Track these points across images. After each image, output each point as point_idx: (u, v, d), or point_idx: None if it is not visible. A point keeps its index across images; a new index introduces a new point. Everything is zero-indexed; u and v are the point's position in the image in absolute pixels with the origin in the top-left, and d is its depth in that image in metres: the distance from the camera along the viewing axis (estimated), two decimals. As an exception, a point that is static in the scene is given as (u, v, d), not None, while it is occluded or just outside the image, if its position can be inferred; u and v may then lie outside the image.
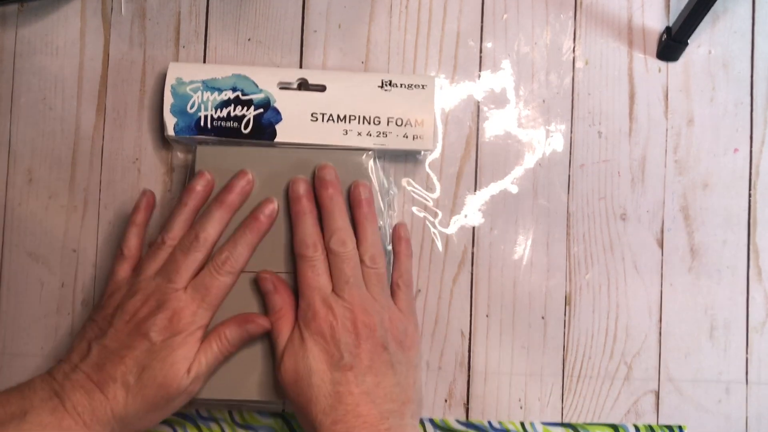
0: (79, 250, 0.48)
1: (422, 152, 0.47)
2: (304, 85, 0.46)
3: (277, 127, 0.45)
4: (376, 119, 0.45)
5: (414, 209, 0.48)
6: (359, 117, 0.45)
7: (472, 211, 0.48)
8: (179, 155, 0.48)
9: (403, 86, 0.46)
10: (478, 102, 0.48)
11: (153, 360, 0.39)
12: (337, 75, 0.46)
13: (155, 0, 0.49)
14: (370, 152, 0.45)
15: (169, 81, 0.45)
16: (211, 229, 0.42)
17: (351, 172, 0.44)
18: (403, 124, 0.45)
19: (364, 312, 0.41)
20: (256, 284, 0.43)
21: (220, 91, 0.45)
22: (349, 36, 0.49)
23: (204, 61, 0.48)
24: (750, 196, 0.48)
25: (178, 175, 0.48)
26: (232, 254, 0.42)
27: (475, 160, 0.48)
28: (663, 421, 0.47)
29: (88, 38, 0.49)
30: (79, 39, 0.49)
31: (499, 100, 0.48)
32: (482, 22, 0.49)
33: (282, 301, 0.42)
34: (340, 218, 0.42)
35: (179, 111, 0.45)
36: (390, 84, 0.46)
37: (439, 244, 0.48)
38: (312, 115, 0.45)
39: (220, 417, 0.47)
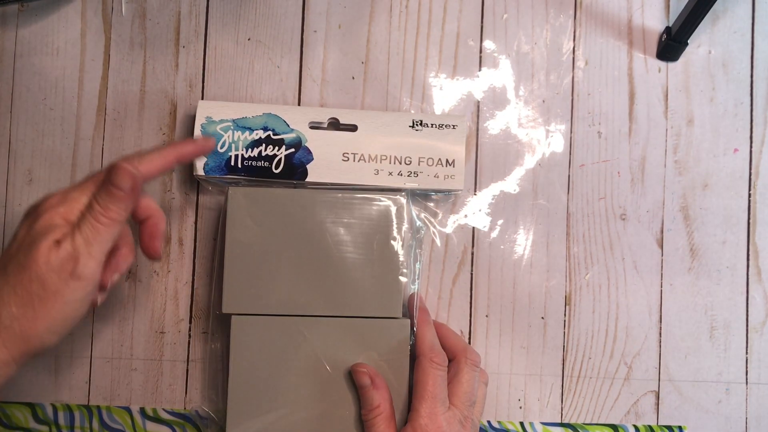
0: (79, 250, 0.48)
1: (451, 193, 0.47)
2: (334, 125, 0.46)
3: (309, 166, 0.45)
4: (408, 159, 0.45)
5: (413, 209, 0.48)
6: (390, 157, 0.45)
7: (471, 211, 0.48)
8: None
9: (434, 126, 0.46)
10: (478, 102, 0.48)
11: (17, 252, 0.35)
12: (367, 114, 0.46)
13: (155, 0, 0.49)
14: (403, 194, 0.45)
15: (199, 120, 0.45)
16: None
17: (386, 212, 0.44)
18: (435, 164, 0.45)
19: None
20: (349, 376, 0.43)
21: (252, 130, 0.45)
22: (349, 36, 0.49)
23: (204, 61, 0.48)
24: (750, 196, 0.48)
25: (178, 175, 0.48)
26: (139, 156, 0.37)
27: (475, 160, 0.48)
28: (663, 421, 0.47)
29: (89, 38, 0.49)
30: (80, 39, 0.49)
31: (499, 100, 0.48)
32: (482, 22, 0.49)
33: (380, 397, 0.41)
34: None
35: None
36: (421, 124, 0.46)
37: (439, 244, 0.48)
38: (343, 155, 0.45)
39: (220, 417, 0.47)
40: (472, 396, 0.42)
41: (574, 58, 0.49)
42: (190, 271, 0.48)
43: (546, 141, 0.48)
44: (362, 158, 0.45)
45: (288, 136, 0.45)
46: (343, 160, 0.45)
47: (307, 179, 0.45)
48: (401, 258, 0.44)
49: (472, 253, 0.48)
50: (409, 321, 0.44)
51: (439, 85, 0.48)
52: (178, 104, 0.48)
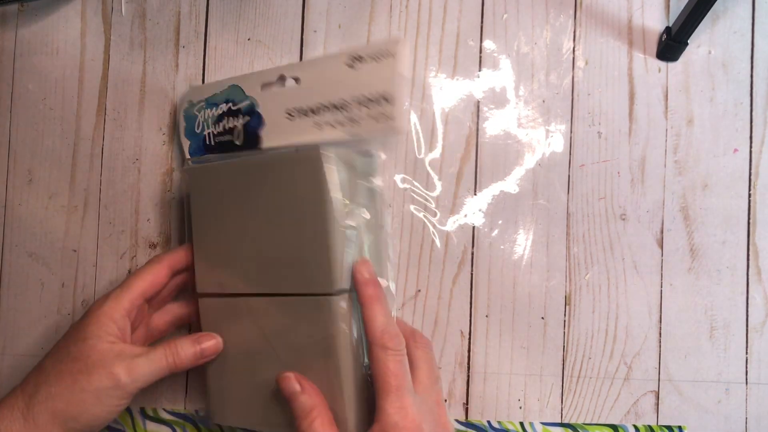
0: (79, 250, 0.48)
1: (389, 137, 0.41)
2: (281, 82, 0.43)
3: (261, 133, 0.43)
4: (345, 104, 0.39)
5: (413, 209, 0.48)
6: (329, 105, 0.40)
7: (471, 211, 0.48)
8: (180, 154, 0.48)
9: (372, 59, 0.39)
10: (478, 102, 0.48)
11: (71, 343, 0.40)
12: (309, 63, 0.42)
13: (155, 0, 0.49)
14: (325, 147, 0.38)
15: (181, 106, 0.45)
16: None
17: (302, 173, 0.39)
18: (370, 103, 0.39)
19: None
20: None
21: (216, 105, 0.44)
22: (349, 36, 0.49)
23: (204, 61, 0.48)
24: (750, 196, 0.48)
25: (178, 174, 0.48)
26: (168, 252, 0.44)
27: (475, 160, 0.48)
28: (663, 421, 0.47)
29: (89, 38, 0.49)
30: (80, 39, 0.49)
31: (498, 100, 0.48)
32: (482, 22, 0.49)
33: (313, 400, 0.38)
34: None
35: (191, 133, 0.45)
36: (359, 59, 0.39)
37: (439, 244, 0.48)
38: (287, 113, 0.41)
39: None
40: (435, 374, 0.39)
41: (574, 58, 0.49)
42: (190, 271, 0.48)
43: (546, 141, 0.48)
44: (303, 113, 0.41)
45: (244, 104, 0.43)
46: (288, 119, 0.41)
47: (262, 146, 0.42)
48: (331, 221, 0.38)
49: (472, 253, 0.48)
50: (346, 296, 0.38)
51: (439, 85, 0.48)
52: (178, 104, 0.48)
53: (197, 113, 0.45)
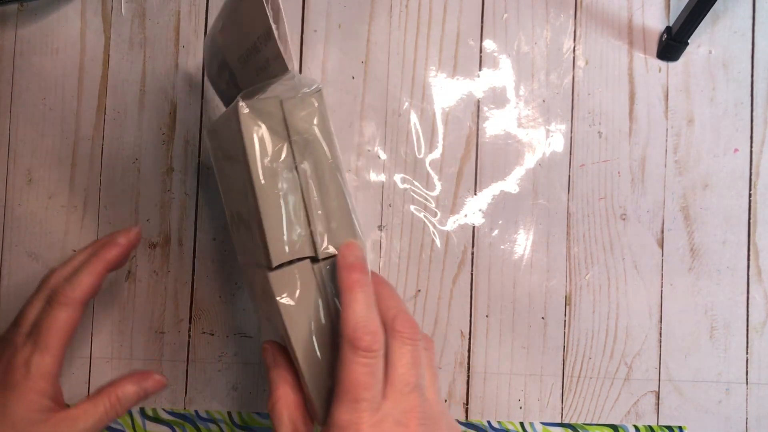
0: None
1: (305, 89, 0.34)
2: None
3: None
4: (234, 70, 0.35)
5: (413, 209, 0.48)
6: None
7: (471, 211, 0.48)
8: (180, 154, 0.48)
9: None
10: (478, 101, 0.48)
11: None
12: None
13: (155, 0, 0.49)
14: (240, 109, 0.33)
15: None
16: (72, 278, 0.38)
17: (233, 138, 0.34)
18: (252, 55, 0.34)
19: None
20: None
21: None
22: (349, 36, 0.49)
23: (204, 61, 0.48)
24: (750, 196, 0.48)
25: (178, 174, 0.48)
26: (71, 283, 0.37)
27: (475, 160, 0.48)
28: (663, 421, 0.47)
29: (89, 38, 0.49)
30: (79, 39, 0.49)
31: (499, 99, 0.48)
32: (482, 21, 0.49)
33: (280, 378, 0.34)
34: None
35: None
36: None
37: (439, 244, 0.48)
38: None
39: (219, 418, 0.47)
40: (412, 378, 0.32)
41: (574, 58, 0.49)
42: (190, 271, 0.48)
43: (546, 141, 0.48)
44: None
45: None
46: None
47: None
48: (258, 186, 0.33)
49: (472, 253, 0.48)
50: (294, 271, 0.34)
51: (439, 85, 0.48)
52: (178, 104, 0.48)
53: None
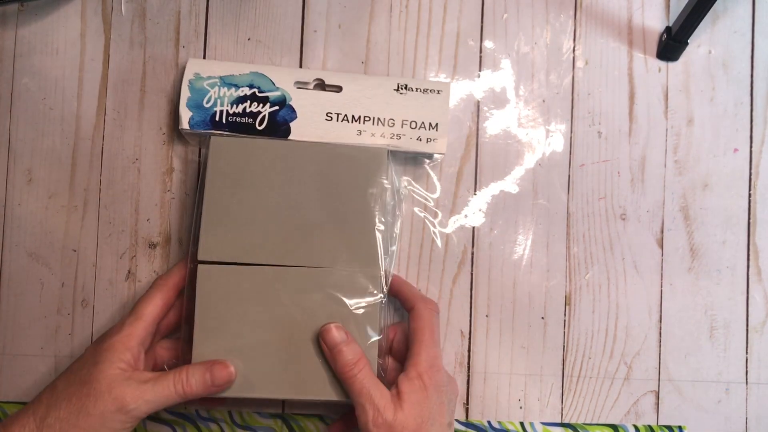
0: (79, 250, 0.48)
1: (434, 156, 0.47)
2: (320, 86, 0.46)
3: (292, 124, 0.45)
4: (391, 121, 0.46)
5: (414, 209, 0.48)
6: (374, 118, 0.46)
7: (472, 211, 0.48)
8: (180, 154, 0.48)
9: (418, 90, 0.46)
10: (478, 102, 0.48)
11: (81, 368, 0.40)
12: (354, 77, 0.46)
13: (155, 0, 0.49)
14: (385, 148, 0.45)
15: (188, 76, 0.46)
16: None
17: (367, 166, 0.44)
18: (418, 126, 0.46)
19: None
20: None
21: (237, 87, 0.46)
22: (349, 36, 0.49)
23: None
24: (750, 196, 0.48)
25: (178, 174, 0.48)
26: (166, 272, 0.45)
27: (475, 160, 0.48)
28: (663, 421, 0.47)
29: (89, 38, 0.49)
30: (80, 39, 0.49)
31: (499, 99, 0.48)
32: (482, 21, 0.49)
33: (358, 351, 0.41)
34: None
35: (195, 105, 0.45)
36: (406, 88, 0.46)
37: (440, 244, 0.48)
38: (327, 114, 0.46)
39: (219, 417, 0.47)
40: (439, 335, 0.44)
41: (574, 58, 0.49)
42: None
43: (546, 141, 0.48)
44: (345, 118, 0.46)
45: (273, 94, 0.46)
46: (326, 119, 0.46)
47: (290, 137, 0.45)
48: (377, 211, 0.43)
49: (472, 253, 0.48)
50: (380, 271, 0.43)
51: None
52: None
53: (209, 87, 0.45)
